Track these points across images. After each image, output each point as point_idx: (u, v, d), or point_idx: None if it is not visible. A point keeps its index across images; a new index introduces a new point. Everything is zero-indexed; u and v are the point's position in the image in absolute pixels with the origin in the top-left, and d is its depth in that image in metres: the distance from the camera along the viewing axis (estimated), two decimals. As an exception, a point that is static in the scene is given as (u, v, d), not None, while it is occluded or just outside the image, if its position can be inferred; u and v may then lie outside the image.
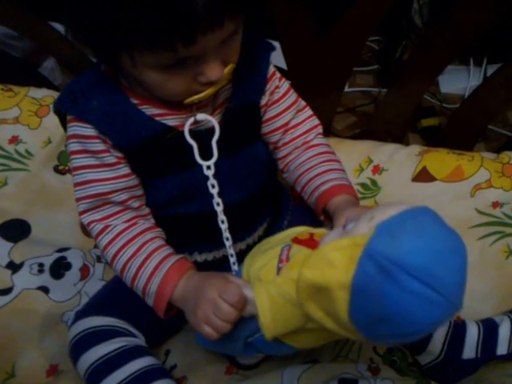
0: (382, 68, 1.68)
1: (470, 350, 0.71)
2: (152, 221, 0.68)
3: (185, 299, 0.60)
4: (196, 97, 0.58)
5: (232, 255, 0.67)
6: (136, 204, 0.66)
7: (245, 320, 0.56)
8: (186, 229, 0.69)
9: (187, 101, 0.59)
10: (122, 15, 0.47)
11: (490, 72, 1.50)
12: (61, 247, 0.87)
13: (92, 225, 0.65)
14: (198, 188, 0.65)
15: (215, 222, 0.65)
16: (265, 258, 0.59)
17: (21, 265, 0.84)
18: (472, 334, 0.72)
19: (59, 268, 0.84)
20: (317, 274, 0.48)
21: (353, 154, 1.00)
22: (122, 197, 0.64)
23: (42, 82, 1.16)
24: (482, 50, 1.55)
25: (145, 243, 0.64)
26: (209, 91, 0.58)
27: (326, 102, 1.08)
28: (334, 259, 0.47)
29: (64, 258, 0.86)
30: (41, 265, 0.84)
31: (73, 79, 0.65)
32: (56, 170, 0.98)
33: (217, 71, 0.56)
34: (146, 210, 0.68)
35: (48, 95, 1.05)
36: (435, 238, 0.45)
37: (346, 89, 1.57)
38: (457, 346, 0.71)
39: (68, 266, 0.85)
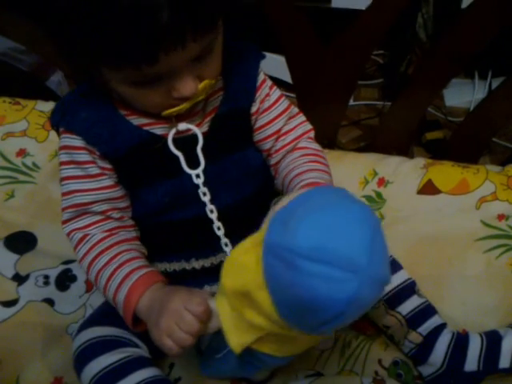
0: (387, 82, 1.69)
1: (472, 362, 0.70)
2: (133, 234, 0.69)
3: (149, 311, 0.59)
4: (173, 110, 0.59)
5: (227, 244, 0.66)
6: (117, 215, 0.67)
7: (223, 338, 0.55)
8: (181, 235, 0.69)
9: (165, 113, 0.60)
10: (85, 36, 0.48)
11: (494, 85, 1.51)
12: (66, 259, 0.87)
13: (72, 234, 0.66)
14: (189, 194, 0.65)
15: (209, 226, 0.66)
16: None
17: (26, 277, 0.84)
18: (475, 346, 0.71)
19: (65, 280, 0.84)
20: (234, 280, 0.48)
21: (358, 167, 1.00)
22: (103, 207, 0.65)
23: (50, 96, 1.17)
24: (486, 63, 1.56)
25: (119, 253, 0.64)
26: (184, 105, 0.58)
27: (331, 115, 1.09)
28: (244, 262, 0.47)
29: (69, 270, 0.86)
30: (46, 277, 0.84)
31: (67, 93, 0.67)
32: (62, 182, 0.99)
33: (190, 87, 0.56)
34: (129, 222, 0.69)
35: (55, 108, 1.06)
36: (326, 215, 0.43)
37: (351, 102, 1.58)
38: (459, 357, 0.71)
39: (73, 279, 0.85)
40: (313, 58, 1.00)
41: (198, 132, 0.64)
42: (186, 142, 0.64)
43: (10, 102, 1.09)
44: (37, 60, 1.48)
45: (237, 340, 0.52)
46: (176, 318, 0.54)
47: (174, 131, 0.64)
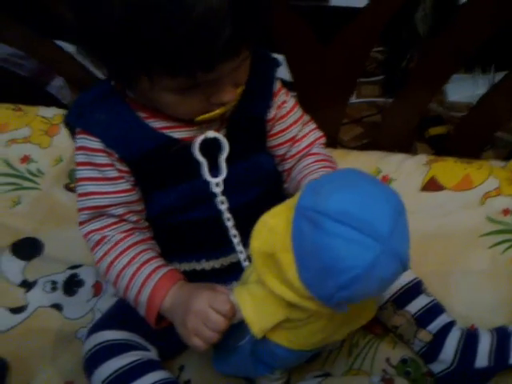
0: (388, 78, 1.69)
1: (482, 359, 0.70)
2: (148, 234, 0.70)
3: (174, 310, 0.61)
4: (207, 115, 0.60)
5: (242, 252, 0.68)
6: (134, 218, 0.68)
7: (240, 329, 0.57)
8: (192, 235, 0.70)
9: (198, 119, 0.61)
10: (149, 47, 0.50)
11: (497, 79, 1.50)
12: (73, 264, 0.87)
13: (90, 235, 0.67)
14: (203, 196, 0.66)
15: (221, 228, 0.67)
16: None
17: (34, 283, 0.85)
18: (485, 342, 0.71)
19: (72, 285, 0.85)
20: (262, 242, 0.50)
21: (361, 165, 1.00)
22: (120, 211, 0.66)
23: (51, 101, 1.17)
24: (489, 57, 1.55)
25: (139, 253, 0.66)
26: (219, 111, 0.60)
27: (332, 113, 1.09)
28: (273, 225, 0.50)
29: (77, 275, 0.86)
30: (54, 282, 0.85)
31: (82, 93, 0.67)
32: (67, 187, 0.99)
33: (230, 94, 0.59)
34: (144, 224, 0.70)
35: (58, 114, 1.07)
36: (360, 189, 0.47)
37: (352, 100, 1.57)
38: (469, 354, 0.70)
39: (81, 283, 0.85)
40: (312, 56, 0.99)
41: (225, 141, 0.65)
42: (205, 146, 0.65)
43: (12, 109, 1.10)
44: (37, 65, 1.48)
45: (258, 325, 0.55)
46: (203, 318, 0.56)
47: (202, 138, 0.64)
